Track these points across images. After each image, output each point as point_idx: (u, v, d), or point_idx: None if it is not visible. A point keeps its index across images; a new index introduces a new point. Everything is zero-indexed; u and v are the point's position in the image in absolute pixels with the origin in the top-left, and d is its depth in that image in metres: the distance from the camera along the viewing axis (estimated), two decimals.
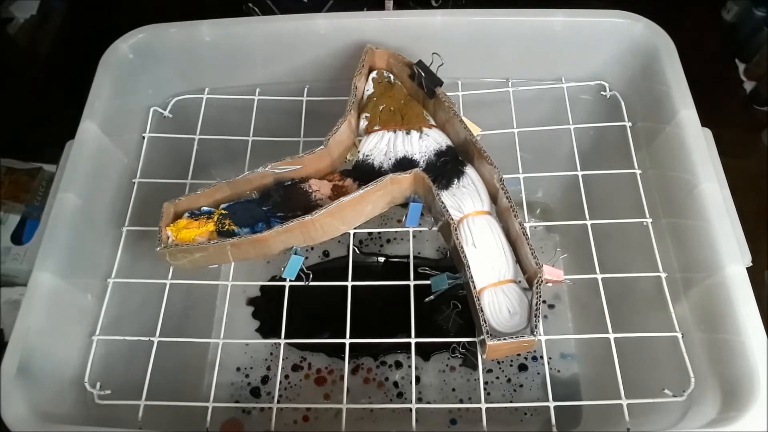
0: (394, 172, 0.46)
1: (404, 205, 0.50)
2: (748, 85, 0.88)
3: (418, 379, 0.70)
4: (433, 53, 0.50)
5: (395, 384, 0.70)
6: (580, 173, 0.52)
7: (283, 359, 0.71)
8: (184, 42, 0.56)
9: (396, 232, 0.79)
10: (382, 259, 0.77)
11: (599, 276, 0.47)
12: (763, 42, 0.86)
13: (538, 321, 0.41)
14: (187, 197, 0.47)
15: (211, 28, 0.55)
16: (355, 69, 0.51)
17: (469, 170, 0.48)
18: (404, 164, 0.48)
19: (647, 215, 0.50)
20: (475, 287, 0.43)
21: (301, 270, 0.47)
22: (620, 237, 0.57)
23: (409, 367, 0.71)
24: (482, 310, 0.42)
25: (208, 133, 0.56)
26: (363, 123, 0.51)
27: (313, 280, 0.47)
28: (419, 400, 0.69)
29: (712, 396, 0.42)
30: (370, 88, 0.52)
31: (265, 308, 0.75)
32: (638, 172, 0.52)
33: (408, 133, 0.50)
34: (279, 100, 0.57)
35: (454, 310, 0.47)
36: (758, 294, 0.41)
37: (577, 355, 0.71)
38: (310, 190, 0.48)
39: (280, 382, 0.69)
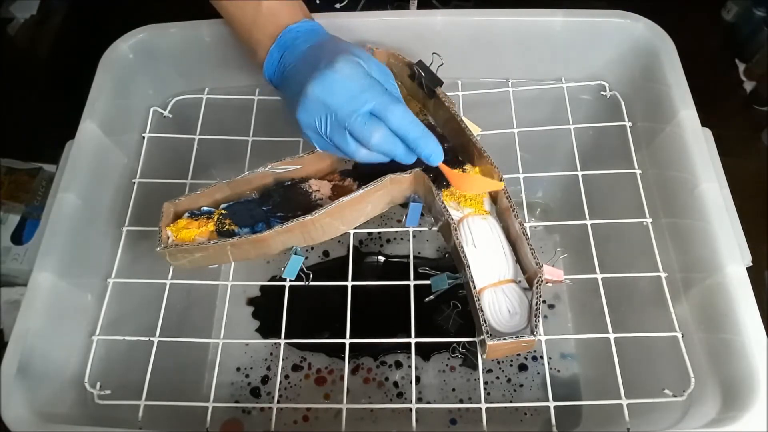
0: (394, 172, 0.46)
1: (404, 205, 0.50)
2: (748, 85, 0.88)
3: (418, 379, 0.70)
4: (433, 53, 0.49)
5: (395, 384, 0.70)
6: (580, 173, 0.52)
7: (283, 359, 0.71)
8: (184, 42, 0.56)
9: (396, 232, 0.79)
10: (382, 259, 0.77)
11: (599, 276, 0.47)
12: (763, 42, 0.86)
13: (538, 321, 0.41)
14: (187, 197, 0.47)
15: (211, 28, 0.55)
16: None
17: (470, 170, 0.48)
18: (404, 164, 0.48)
19: (647, 215, 0.49)
20: (475, 287, 0.43)
21: (301, 270, 0.47)
22: (620, 237, 0.57)
23: (409, 367, 0.71)
24: (482, 310, 0.42)
25: (208, 133, 0.56)
26: None
27: (313, 280, 0.47)
28: (419, 400, 0.69)
29: (712, 396, 0.42)
30: None
31: (265, 308, 0.75)
32: (638, 172, 0.52)
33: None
34: (279, 100, 0.57)
35: (454, 310, 0.47)
36: (758, 294, 0.41)
37: (577, 355, 0.71)
38: (310, 190, 0.48)
39: (280, 382, 0.69)
